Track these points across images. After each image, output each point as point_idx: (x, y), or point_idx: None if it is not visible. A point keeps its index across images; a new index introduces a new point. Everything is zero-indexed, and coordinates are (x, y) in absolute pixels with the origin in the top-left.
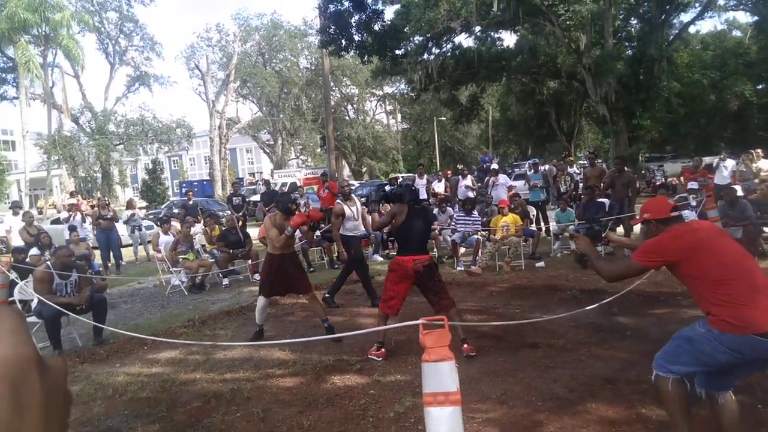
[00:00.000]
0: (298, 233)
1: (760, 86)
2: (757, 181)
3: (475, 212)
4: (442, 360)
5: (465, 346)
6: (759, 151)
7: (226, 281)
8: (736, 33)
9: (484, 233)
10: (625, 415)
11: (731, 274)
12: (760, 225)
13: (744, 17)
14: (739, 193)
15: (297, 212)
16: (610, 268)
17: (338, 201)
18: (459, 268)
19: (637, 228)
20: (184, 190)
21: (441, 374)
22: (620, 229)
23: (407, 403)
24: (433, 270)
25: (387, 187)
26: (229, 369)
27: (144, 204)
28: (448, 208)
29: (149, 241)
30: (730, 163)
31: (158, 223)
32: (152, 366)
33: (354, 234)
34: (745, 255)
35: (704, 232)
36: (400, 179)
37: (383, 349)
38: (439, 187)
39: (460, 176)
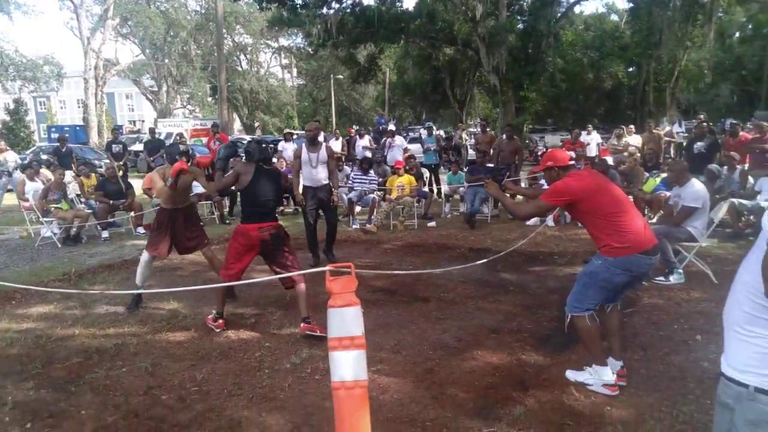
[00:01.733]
0: (199, 187)
1: (631, 69)
2: (626, 154)
3: (372, 172)
4: (348, 305)
5: (303, 324)
6: (632, 127)
7: (105, 234)
8: (614, 17)
9: (379, 193)
10: (507, 361)
11: (622, 208)
12: (627, 193)
13: (622, 2)
14: (611, 163)
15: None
16: (523, 209)
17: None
18: (354, 226)
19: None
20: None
21: (346, 319)
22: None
23: (303, 354)
24: (281, 239)
25: (245, 146)
26: (111, 324)
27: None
28: (344, 167)
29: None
30: (595, 136)
31: (22, 168)
32: (22, 321)
33: (311, 185)
34: (625, 195)
35: (599, 176)
36: (295, 136)
37: (221, 321)
38: (336, 145)
39: (357, 136)
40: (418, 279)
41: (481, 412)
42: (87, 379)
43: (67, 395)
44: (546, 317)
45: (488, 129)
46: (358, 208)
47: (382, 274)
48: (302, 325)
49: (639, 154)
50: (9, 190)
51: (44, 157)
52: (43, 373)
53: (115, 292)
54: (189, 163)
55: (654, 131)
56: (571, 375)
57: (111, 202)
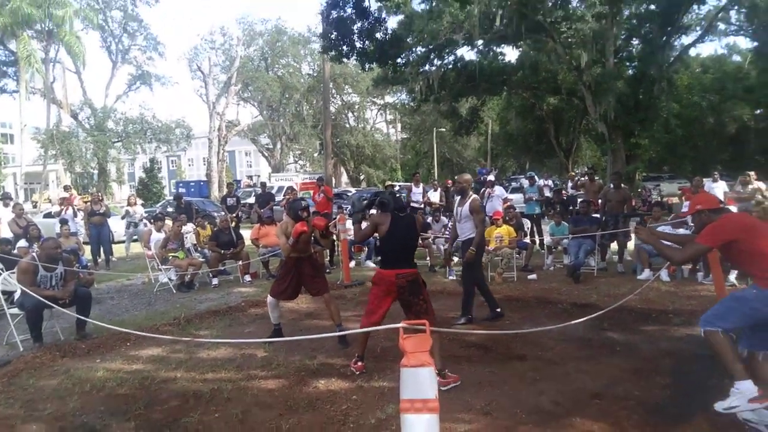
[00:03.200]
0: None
1: (759, 111)
2: (753, 202)
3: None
4: (422, 365)
5: (439, 379)
6: (753, 173)
7: (215, 281)
8: (736, 58)
9: None
10: (611, 431)
11: None
12: None
13: (744, 43)
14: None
15: (303, 219)
16: (679, 254)
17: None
18: (451, 278)
19: (630, 245)
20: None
21: (419, 380)
22: (614, 245)
23: (389, 410)
24: (418, 286)
25: (379, 197)
26: (211, 369)
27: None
28: (442, 217)
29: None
30: (721, 184)
31: (152, 220)
32: (133, 363)
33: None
34: None
35: (751, 217)
36: (396, 187)
37: (360, 363)
38: (434, 196)
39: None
40: (516, 335)
41: None
42: (182, 423)
43: None
44: (658, 384)
45: (596, 177)
46: (455, 260)
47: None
48: (438, 379)
49: None
50: (134, 240)
51: (170, 209)
52: (144, 414)
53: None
54: (308, 217)
55: None
56: (719, 406)
57: (222, 251)
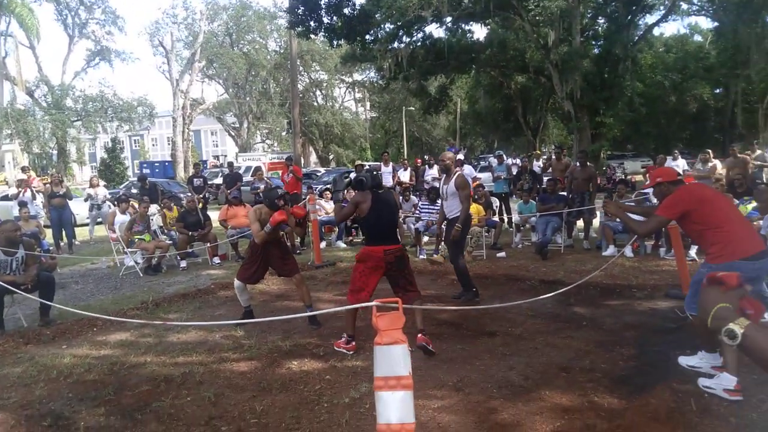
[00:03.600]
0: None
1: (718, 90)
2: (713, 179)
3: (440, 201)
4: (395, 343)
5: (420, 335)
6: (710, 152)
7: (184, 263)
8: (698, 38)
9: None
10: (578, 403)
11: (729, 217)
12: None
13: (705, 23)
14: None
15: (281, 209)
16: (643, 226)
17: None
18: (421, 257)
19: (595, 222)
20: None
21: (393, 358)
22: (580, 223)
23: (363, 388)
24: (405, 261)
25: (352, 175)
26: (181, 352)
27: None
28: (412, 196)
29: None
30: (681, 162)
31: (116, 202)
32: (101, 348)
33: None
34: (732, 205)
35: (709, 189)
36: (366, 167)
37: (354, 343)
38: (405, 175)
39: (426, 166)
40: (485, 312)
41: None
42: (153, 408)
43: (134, 423)
44: (622, 356)
45: (564, 156)
46: (425, 238)
47: (447, 305)
48: (419, 336)
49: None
50: (98, 223)
51: (134, 191)
52: (114, 400)
53: (193, 323)
54: (285, 206)
55: (739, 155)
56: (683, 360)
57: (190, 233)
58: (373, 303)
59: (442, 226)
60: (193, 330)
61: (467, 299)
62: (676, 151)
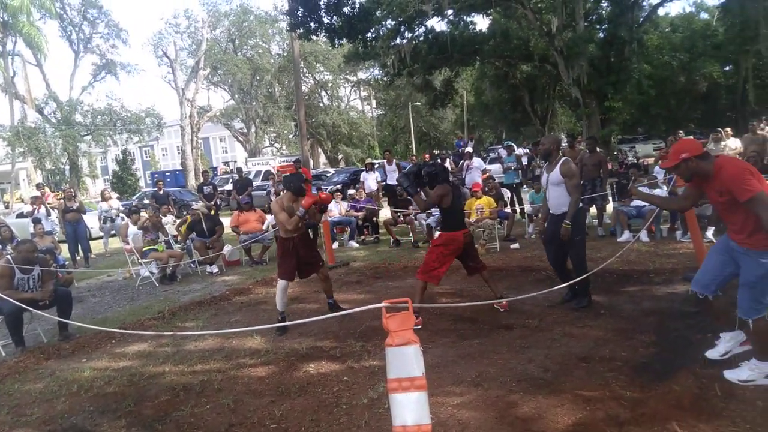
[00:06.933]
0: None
1: (728, 67)
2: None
3: None
4: (407, 344)
5: (504, 302)
6: (728, 129)
7: (214, 268)
8: (704, 15)
9: None
10: (599, 393)
11: None
12: None
13: None
14: None
15: (308, 193)
16: (679, 203)
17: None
18: None
19: (609, 208)
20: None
21: (405, 359)
22: (593, 210)
23: (381, 389)
24: (472, 239)
25: (425, 169)
26: (199, 360)
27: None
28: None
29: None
30: None
31: (128, 214)
32: (120, 360)
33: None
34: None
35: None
36: (377, 165)
37: (419, 318)
38: None
39: (438, 160)
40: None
41: None
42: (173, 417)
43: None
44: (642, 343)
45: (580, 143)
46: (437, 233)
47: (463, 300)
48: (503, 302)
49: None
50: (112, 235)
51: (146, 201)
52: (135, 411)
53: (210, 332)
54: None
55: (758, 132)
56: (731, 375)
57: (204, 240)
58: (383, 304)
59: (544, 224)
60: (211, 337)
61: (581, 306)
62: (681, 132)
